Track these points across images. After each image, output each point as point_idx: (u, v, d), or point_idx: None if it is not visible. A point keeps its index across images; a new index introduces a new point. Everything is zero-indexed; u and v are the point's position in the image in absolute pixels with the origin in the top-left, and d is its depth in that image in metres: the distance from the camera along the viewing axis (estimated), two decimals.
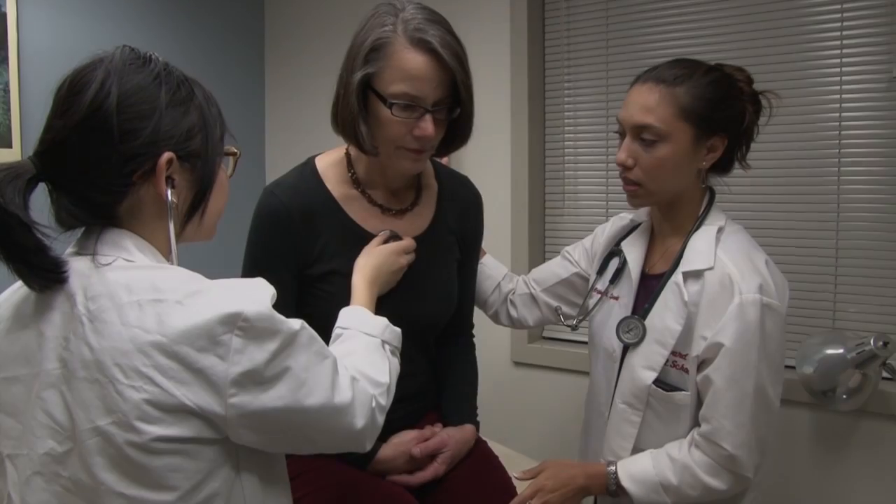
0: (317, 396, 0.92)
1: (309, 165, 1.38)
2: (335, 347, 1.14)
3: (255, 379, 0.86)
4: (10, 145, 2.09)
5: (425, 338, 1.43)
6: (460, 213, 1.46)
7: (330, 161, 1.38)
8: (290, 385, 0.89)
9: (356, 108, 1.24)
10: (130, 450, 0.83)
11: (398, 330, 1.20)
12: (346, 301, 1.22)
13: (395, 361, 1.16)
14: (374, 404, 1.02)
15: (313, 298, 1.31)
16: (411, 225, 1.39)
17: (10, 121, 2.09)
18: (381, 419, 1.05)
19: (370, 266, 1.28)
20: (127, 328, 0.84)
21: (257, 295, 0.88)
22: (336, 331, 1.17)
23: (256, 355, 0.86)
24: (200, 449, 0.86)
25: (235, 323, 0.85)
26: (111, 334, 0.84)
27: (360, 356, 1.10)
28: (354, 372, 1.02)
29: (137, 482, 0.84)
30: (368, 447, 1.02)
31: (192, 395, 0.84)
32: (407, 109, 1.22)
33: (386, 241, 1.34)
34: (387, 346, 1.16)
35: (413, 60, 1.20)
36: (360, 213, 1.35)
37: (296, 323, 0.91)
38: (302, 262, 1.31)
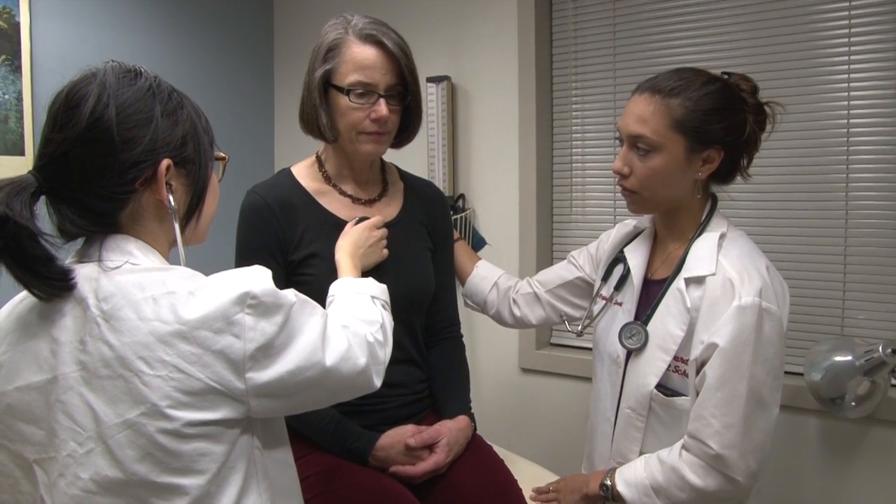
0: (319, 352, 0.98)
1: (284, 171, 1.55)
2: (328, 309, 1.19)
3: (268, 352, 0.92)
4: (22, 153, 2.11)
5: (411, 321, 1.51)
6: (426, 208, 1.61)
7: (303, 165, 1.55)
8: (297, 348, 0.95)
9: (318, 102, 1.42)
10: (162, 437, 0.87)
11: (384, 286, 1.29)
12: (328, 283, 1.30)
13: (388, 314, 1.23)
14: (370, 339, 1.09)
15: (297, 285, 1.40)
16: (381, 213, 1.52)
17: (22, 129, 2.11)
18: (381, 353, 1.12)
19: (349, 243, 1.40)
20: (145, 322, 0.88)
21: (259, 275, 0.95)
22: (328, 299, 1.25)
23: (268, 329, 0.92)
24: (225, 431, 0.91)
25: (245, 301, 0.91)
26: (130, 330, 0.88)
27: (348, 307, 1.19)
28: (344, 321, 1.09)
29: (169, 470, 0.88)
30: (378, 382, 1.09)
31: (215, 375, 0.89)
32: (363, 96, 1.40)
33: None
34: (377, 301, 1.23)
35: (363, 52, 1.39)
36: (332, 203, 1.50)
37: (289, 292, 0.98)
38: (285, 247, 1.45)
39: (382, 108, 1.40)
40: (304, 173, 1.52)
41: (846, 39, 1.84)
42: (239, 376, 0.90)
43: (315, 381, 0.98)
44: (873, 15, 1.80)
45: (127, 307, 0.89)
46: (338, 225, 1.46)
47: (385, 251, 1.46)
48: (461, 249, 1.78)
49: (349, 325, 1.08)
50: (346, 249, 1.38)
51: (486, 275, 1.76)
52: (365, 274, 1.37)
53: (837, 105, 1.86)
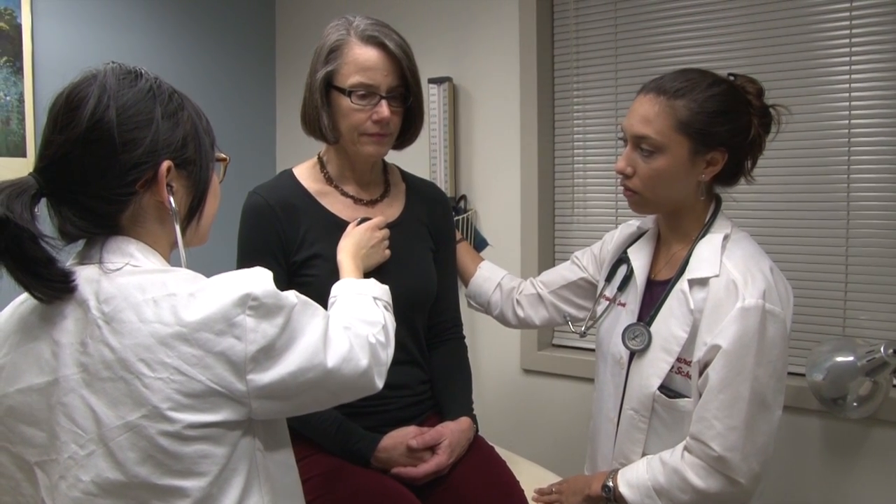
0: (321, 353, 0.98)
1: (286, 172, 1.55)
2: (330, 311, 1.19)
3: (269, 353, 0.92)
4: (24, 154, 2.11)
5: (413, 322, 1.51)
6: (428, 208, 1.61)
7: (305, 167, 1.55)
8: (298, 350, 0.95)
9: (319, 103, 1.43)
10: (163, 439, 0.87)
11: (386, 287, 1.29)
12: (330, 284, 1.30)
13: (390, 315, 1.23)
14: (372, 340, 1.09)
15: (299, 286, 1.42)
16: (383, 214, 1.52)
17: (24, 130, 2.11)
18: (383, 355, 1.12)
19: (350, 244, 1.40)
20: (146, 324, 0.88)
21: (260, 276, 0.95)
22: (330, 300, 1.25)
23: (269, 331, 0.92)
24: (226, 433, 0.91)
25: (246, 303, 0.90)
26: (131, 332, 0.87)
27: (350, 308, 1.19)
28: (345, 322, 1.09)
29: (170, 472, 0.88)
30: (380, 384, 1.09)
31: (216, 377, 0.89)
32: (364, 98, 1.40)
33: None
34: (379, 302, 1.23)
35: (365, 54, 1.40)
36: (334, 204, 1.50)
37: (290, 294, 0.98)
38: (287, 248, 1.45)
39: (384, 109, 1.40)
40: (305, 174, 1.52)
41: (847, 41, 1.83)
42: (240, 378, 0.90)
43: (316, 382, 0.98)
44: (875, 16, 1.80)
45: (128, 309, 0.89)
46: (340, 226, 1.46)
47: (387, 252, 1.46)
48: (464, 250, 1.78)
49: (351, 327, 1.08)
50: (348, 250, 1.39)
51: (489, 275, 1.76)
52: (367, 275, 1.37)
53: (839, 106, 1.86)
